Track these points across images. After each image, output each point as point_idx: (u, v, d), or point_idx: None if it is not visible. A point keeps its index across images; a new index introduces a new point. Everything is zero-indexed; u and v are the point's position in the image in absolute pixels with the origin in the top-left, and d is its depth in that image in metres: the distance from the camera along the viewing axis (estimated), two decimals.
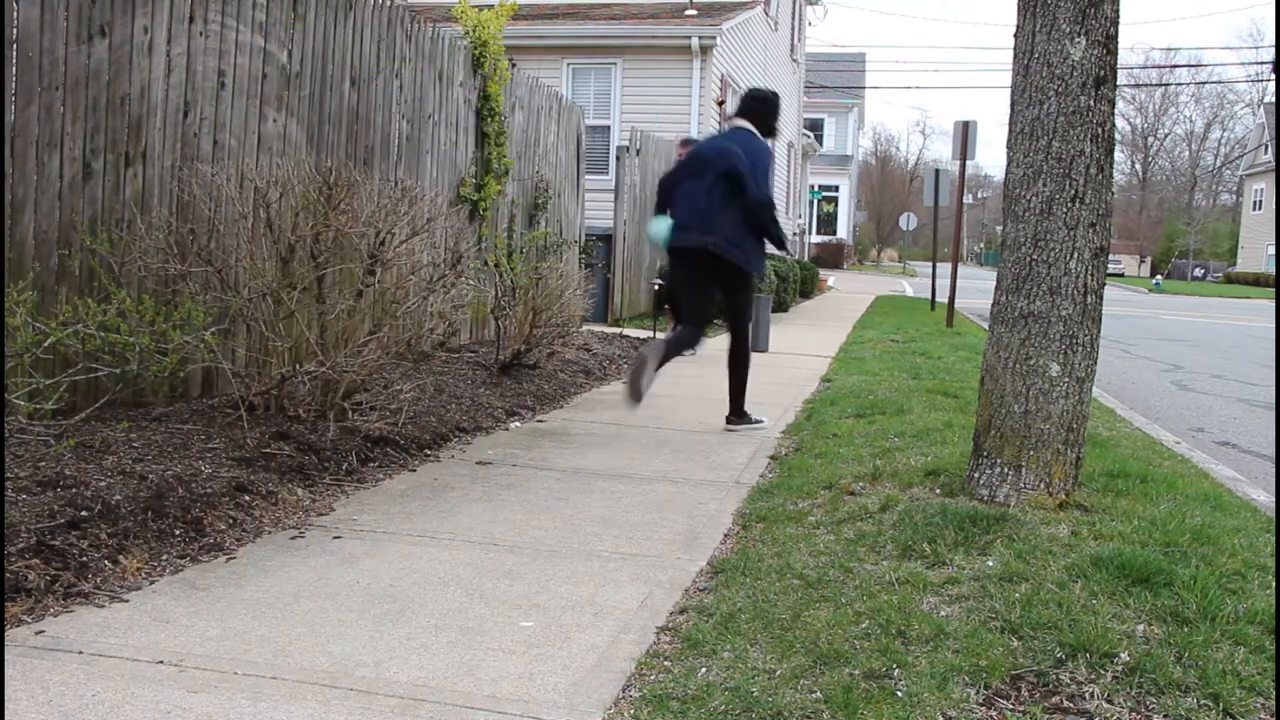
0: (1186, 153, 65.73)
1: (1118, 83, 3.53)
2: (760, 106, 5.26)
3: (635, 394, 4.76)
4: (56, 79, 3.73)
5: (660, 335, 9.60)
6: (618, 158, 11.03)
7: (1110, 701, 2.12)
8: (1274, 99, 45.12)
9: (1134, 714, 2.08)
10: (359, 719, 1.98)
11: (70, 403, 3.67)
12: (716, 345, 9.87)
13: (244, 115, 4.72)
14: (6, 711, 1.93)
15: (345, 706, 2.03)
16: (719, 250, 4.92)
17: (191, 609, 2.52)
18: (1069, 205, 3.41)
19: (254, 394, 4.21)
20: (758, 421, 5.28)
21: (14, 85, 3.56)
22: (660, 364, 4.91)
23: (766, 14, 17.36)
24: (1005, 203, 3.63)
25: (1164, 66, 63.92)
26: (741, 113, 5.26)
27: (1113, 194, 3.55)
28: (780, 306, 14.13)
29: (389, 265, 4.49)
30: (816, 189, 37.41)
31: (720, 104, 13.97)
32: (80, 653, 2.22)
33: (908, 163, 69.73)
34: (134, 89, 4.08)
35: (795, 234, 22.96)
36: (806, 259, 23.98)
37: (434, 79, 6.62)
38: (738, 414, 5.26)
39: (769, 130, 5.25)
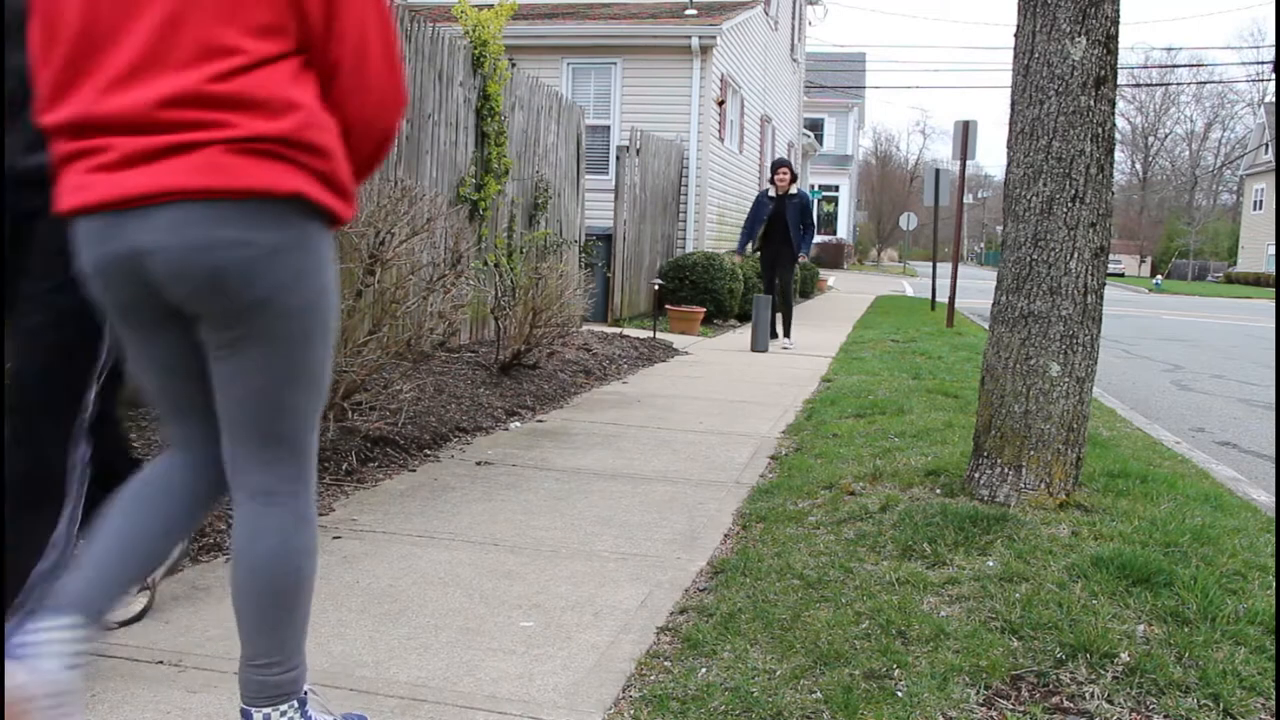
0: (1186, 153, 65.74)
1: (1118, 83, 3.53)
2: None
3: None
4: None
5: (660, 335, 9.61)
6: (618, 158, 11.02)
7: (1110, 701, 2.12)
8: (1274, 99, 45.14)
9: (1134, 714, 2.08)
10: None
11: None
12: (716, 342, 9.87)
13: None
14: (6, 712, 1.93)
15: (345, 706, 2.02)
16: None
17: (192, 609, 2.52)
18: (1069, 205, 3.41)
19: None
20: None
21: None
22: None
23: (766, 14, 17.35)
24: (1005, 203, 3.63)
25: (1164, 66, 63.97)
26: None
27: (1113, 194, 3.55)
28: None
29: (389, 265, 4.50)
30: (817, 189, 37.42)
31: (720, 104, 13.95)
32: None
33: (908, 163, 69.73)
34: None
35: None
36: (807, 259, 23.96)
37: (434, 79, 6.62)
38: None
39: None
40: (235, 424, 1.66)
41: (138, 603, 2.39)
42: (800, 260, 10.25)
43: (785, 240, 9.78)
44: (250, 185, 1.51)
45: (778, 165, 9.99)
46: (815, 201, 37.80)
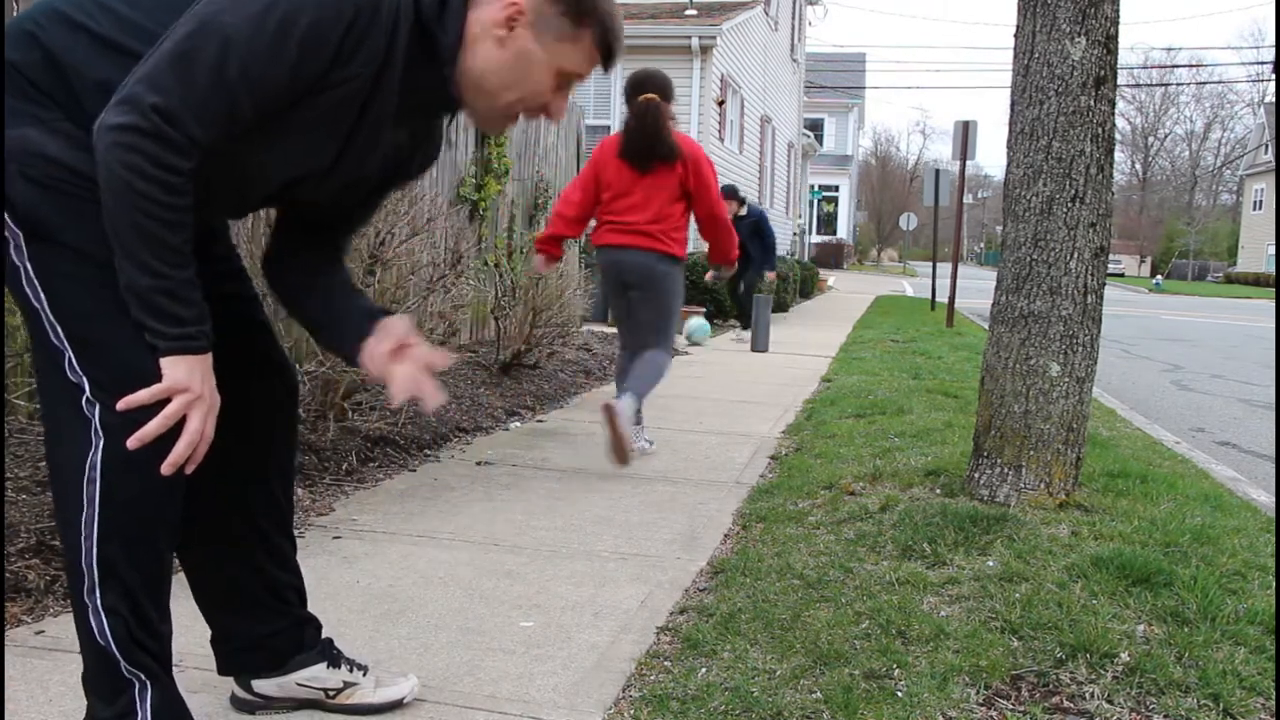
0: (1186, 153, 65.73)
1: (1118, 83, 3.53)
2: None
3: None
4: None
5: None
6: None
7: (1110, 701, 2.12)
8: (1274, 99, 45.12)
9: (1134, 714, 2.08)
10: (358, 718, 1.98)
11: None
12: (715, 342, 9.87)
13: None
14: (6, 712, 1.93)
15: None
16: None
17: (191, 609, 2.51)
18: (1069, 205, 3.41)
19: None
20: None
21: None
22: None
23: (766, 14, 17.36)
24: (1005, 203, 3.63)
25: (1164, 66, 63.95)
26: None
27: (1113, 194, 3.55)
28: (780, 306, 14.14)
29: (389, 265, 4.49)
30: (816, 189, 37.43)
31: (720, 104, 13.96)
32: (80, 653, 2.21)
33: (908, 163, 69.73)
34: None
35: (795, 234, 22.97)
36: (806, 259, 24.00)
37: None
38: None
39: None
40: (643, 325, 4.33)
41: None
42: (770, 277, 10.99)
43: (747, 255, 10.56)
44: (664, 249, 4.27)
45: (727, 195, 10.86)
46: (815, 202, 37.88)
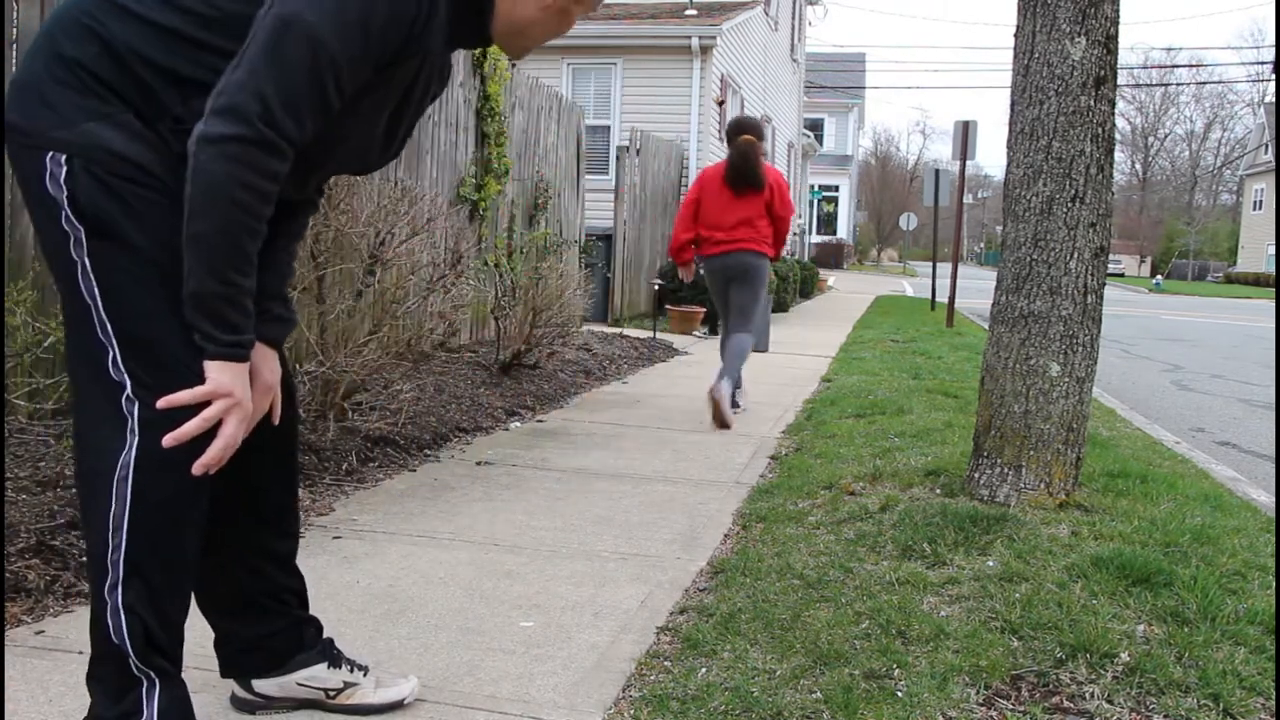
0: (1186, 153, 65.72)
1: (1118, 83, 3.53)
2: None
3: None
4: None
5: (660, 335, 9.62)
6: (618, 158, 11.03)
7: (1110, 701, 2.12)
8: (1274, 99, 45.11)
9: (1134, 714, 2.08)
10: (358, 718, 1.98)
11: (70, 402, 3.67)
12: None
13: None
14: (6, 712, 1.93)
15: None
16: None
17: (191, 608, 2.51)
18: (1069, 205, 3.41)
19: None
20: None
21: None
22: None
23: (766, 14, 17.36)
24: (1005, 203, 3.63)
25: (1164, 66, 63.95)
26: None
27: (1113, 194, 3.55)
28: (780, 306, 14.13)
29: (389, 265, 4.50)
30: (816, 189, 37.41)
31: (720, 104, 13.96)
32: (80, 653, 2.21)
33: (908, 163, 69.71)
34: None
35: (795, 234, 22.96)
36: (806, 259, 24.00)
37: None
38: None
39: None
40: (736, 309, 5.65)
41: None
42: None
43: None
44: (757, 249, 5.62)
45: None
46: (815, 202, 37.95)
